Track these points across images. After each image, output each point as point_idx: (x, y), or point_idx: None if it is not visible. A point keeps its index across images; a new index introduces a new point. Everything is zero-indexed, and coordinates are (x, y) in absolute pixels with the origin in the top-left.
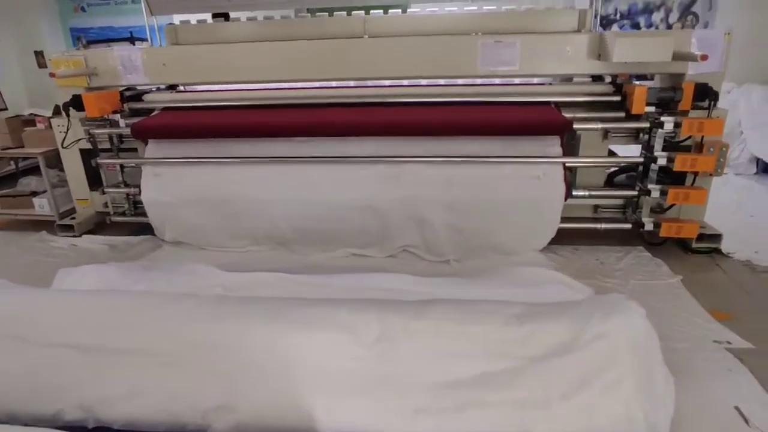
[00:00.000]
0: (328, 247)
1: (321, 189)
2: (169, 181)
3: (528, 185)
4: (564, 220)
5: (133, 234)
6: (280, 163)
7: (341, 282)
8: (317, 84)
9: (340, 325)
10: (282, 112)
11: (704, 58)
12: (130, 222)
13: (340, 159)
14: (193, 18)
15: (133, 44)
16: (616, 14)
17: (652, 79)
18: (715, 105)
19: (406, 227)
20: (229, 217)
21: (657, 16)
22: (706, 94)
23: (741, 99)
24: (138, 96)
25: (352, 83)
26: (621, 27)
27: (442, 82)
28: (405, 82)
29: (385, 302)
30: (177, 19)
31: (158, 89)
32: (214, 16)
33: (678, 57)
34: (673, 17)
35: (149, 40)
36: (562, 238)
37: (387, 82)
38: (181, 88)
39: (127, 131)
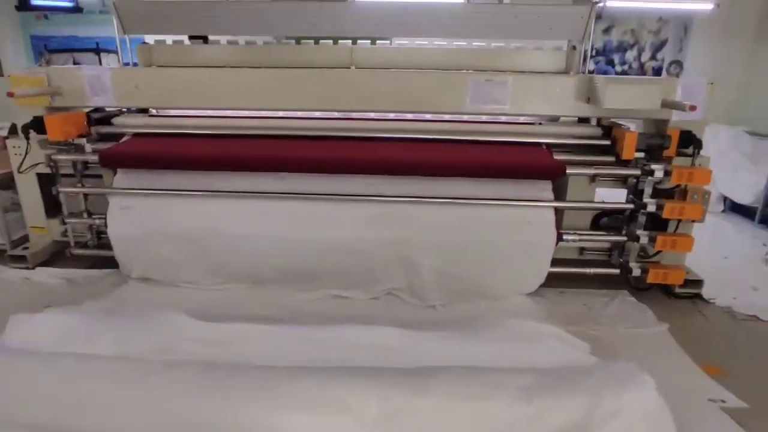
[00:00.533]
0: (309, 287)
1: (303, 227)
2: (138, 214)
3: (519, 229)
4: (551, 263)
5: (94, 267)
6: (260, 198)
7: (329, 336)
8: (300, 114)
9: (337, 404)
10: (263, 143)
11: (693, 108)
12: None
13: (323, 196)
14: (168, 37)
15: (99, 56)
16: (591, 50)
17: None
18: (698, 153)
19: (392, 269)
20: (204, 253)
21: (630, 54)
22: (690, 141)
23: (710, 139)
24: (107, 119)
25: (336, 114)
26: (596, 63)
27: (429, 116)
28: (391, 115)
29: (384, 373)
30: (151, 37)
31: (128, 111)
32: (192, 37)
33: (666, 105)
34: (645, 56)
35: (119, 54)
36: (547, 279)
37: (373, 115)
38: (154, 111)
39: (94, 158)
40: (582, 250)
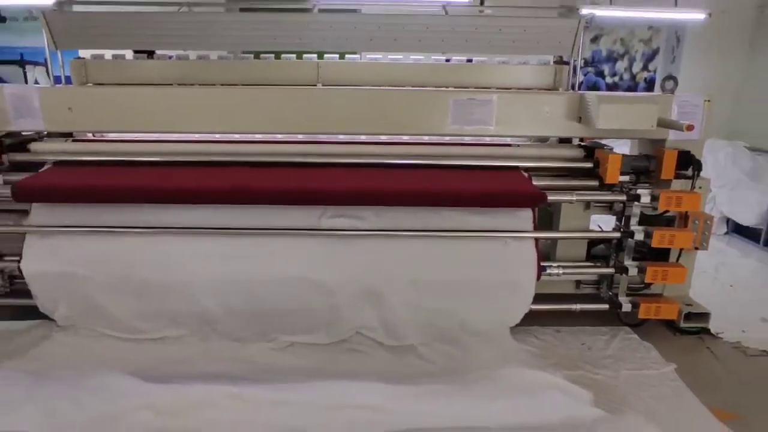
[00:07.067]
0: (267, 331)
1: (255, 263)
2: (61, 248)
3: (498, 262)
4: (543, 298)
5: (12, 318)
6: (205, 233)
7: (302, 398)
8: (260, 137)
9: None
10: (212, 172)
11: (690, 128)
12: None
13: (278, 231)
14: (107, 51)
15: (24, 69)
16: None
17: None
18: (698, 175)
19: (359, 306)
20: (141, 294)
21: (621, 65)
22: (689, 163)
23: (707, 156)
24: (22, 144)
25: (301, 137)
26: (585, 74)
27: (405, 138)
28: (362, 138)
29: None
30: (87, 51)
31: (48, 135)
32: (137, 52)
33: (663, 124)
34: (637, 66)
35: (48, 68)
36: (542, 317)
37: (342, 138)
38: (90, 135)
39: (6, 191)
40: (578, 283)
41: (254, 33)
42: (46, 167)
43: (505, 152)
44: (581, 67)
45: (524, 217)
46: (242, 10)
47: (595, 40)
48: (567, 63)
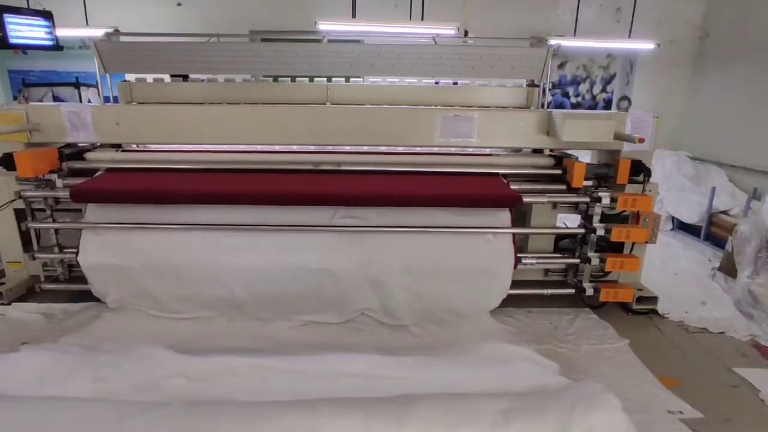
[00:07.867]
0: (285, 312)
1: (276, 254)
2: (112, 243)
3: (480, 254)
4: (517, 284)
5: (71, 301)
6: (234, 229)
7: (310, 366)
8: (277, 147)
9: None
10: (237, 178)
11: (641, 140)
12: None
13: (295, 228)
14: (149, 75)
15: (79, 90)
16: (548, 85)
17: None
18: (648, 180)
19: (363, 291)
20: (179, 281)
21: (583, 87)
22: (640, 170)
23: (656, 163)
24: (79, 154)
25: (312, 148)
26: (553, 95)
27: (400, 149)
28: (365, 149)
29: (366, 403)
30: (132, 75)
31: (101, 146)
32: (173, 76)
33: (618, 138)
34: (597, 88)
35: (99, 89)
36: (516, 300)
37: (347, 149)
38: (135, 146)
39: (65, 193)
40: (547, 271)
41: (273, 60)
42: (98, 173)
43: (486, 161)
44: (549, 89)
45: (503, 215)
46: (263, 40)
47: (561, 66)
48: (537, 85)
